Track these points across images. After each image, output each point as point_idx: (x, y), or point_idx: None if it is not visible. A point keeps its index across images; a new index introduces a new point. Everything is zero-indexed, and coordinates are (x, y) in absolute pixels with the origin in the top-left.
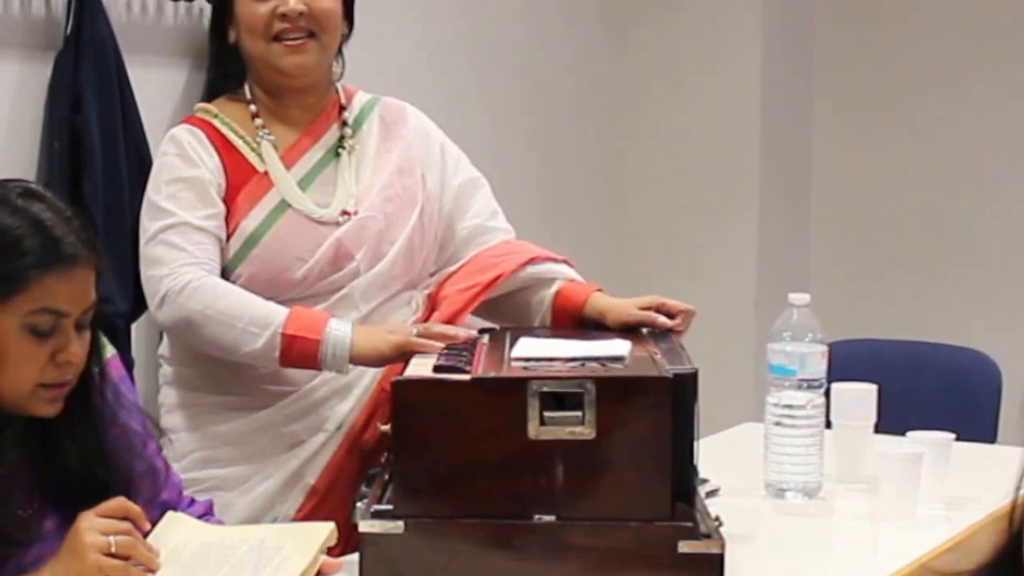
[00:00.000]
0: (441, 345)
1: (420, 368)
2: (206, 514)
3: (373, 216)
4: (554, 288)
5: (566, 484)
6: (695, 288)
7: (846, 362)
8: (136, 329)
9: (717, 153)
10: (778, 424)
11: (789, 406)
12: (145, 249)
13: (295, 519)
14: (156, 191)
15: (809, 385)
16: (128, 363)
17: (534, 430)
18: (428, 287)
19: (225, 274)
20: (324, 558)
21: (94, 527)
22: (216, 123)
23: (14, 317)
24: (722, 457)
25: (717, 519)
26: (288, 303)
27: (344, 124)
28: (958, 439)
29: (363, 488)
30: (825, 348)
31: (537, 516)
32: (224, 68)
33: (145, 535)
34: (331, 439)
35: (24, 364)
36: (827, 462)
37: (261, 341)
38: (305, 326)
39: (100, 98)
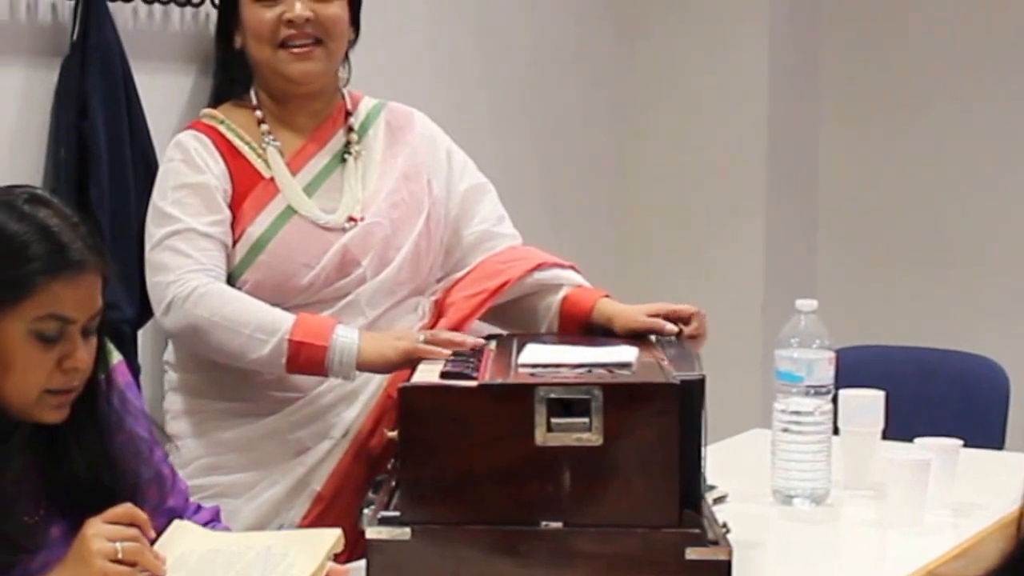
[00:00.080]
0: (448, 352)
1: (427, 374)
2: (213, 520)
3: (379, 222)
4: (561, 294)
5: (573, 490)
6: (702, 294)
7: (853, 368)
8: (142, 335)
9: (724, 159)
10: (785, 430)
11: (797, 412)
12: (151, 255)
13: (301, 526)
14: (162, 197)
15: (817, 391)
16: (134, 369)
17: (541, 436)
18: (435, 293)
19: (231, 280)
20: (331, 564)
21: (101, 533)
22: (222, 129)
23: (20, 323)
24: (729, 463)
25: (724, 526)
26: (294, 309)
27: (350, 130)
28: (966, 445)
29: (370, 494)
30: (832, 354)
31: (544, 523)
32: (230, 74)
33: (152, 542)
34: (337, 446)
35: (30, 370)
36: (835, 468)
37: (268, 347)
38: (312, 332)
39: (106, 104)
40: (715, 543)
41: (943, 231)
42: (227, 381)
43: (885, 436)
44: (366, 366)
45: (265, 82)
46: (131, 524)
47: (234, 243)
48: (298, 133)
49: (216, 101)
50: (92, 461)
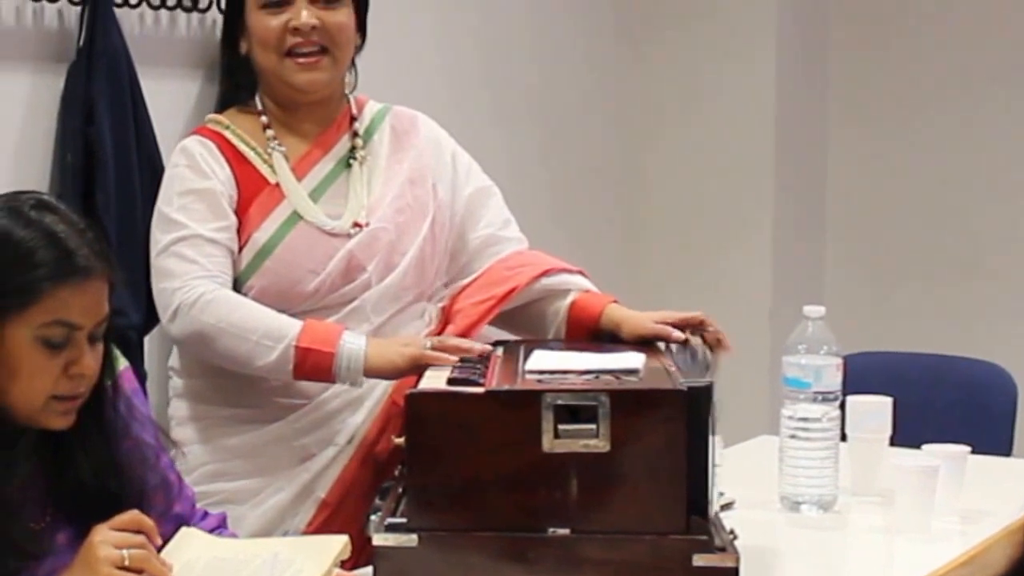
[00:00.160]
0: (455, 358)
1: (434, 381)
2: (220, 527)
3: (384, 227)
4: (569, 299)
5: (580, 497)
6: (709, 300)
7: (861, 374)
8: (149, 342)
9: (732, 165)
10: (793, 437)
11: (804, 419)
12: (156, 261)
13: (306, 532)
14: (167, 203)
15: (824, 398)
16: (141, 376)
17: (548, 443)
18: (442, 300)
19: (236, 286)
20: (337, 571)
21: (107, 540)
22: (227, 134)
23: (27, 329)
24: (737, 470)
25: (732, 532)
26: (299, 315)
27: (355, 134)
28: (973, 452)
29: (377, 501)
30: (840, 360)
31: (551, 529)
32: (235, 80)
33: (158, 549)
34: (342, 452)
35: (37, 376)
36: (842, 475)
37: (275, 354)
38: (319, 339)
39: (113, 110)
40: (722, 550)
41: (951, 237)
42: (232, 387)
43: (893, 442)
44: (373, 372)
45: (271, 89)
46: (138, 531)
47: (240, 249)
48: (303, 138)
49: (222, 107)
50: (98, 467)
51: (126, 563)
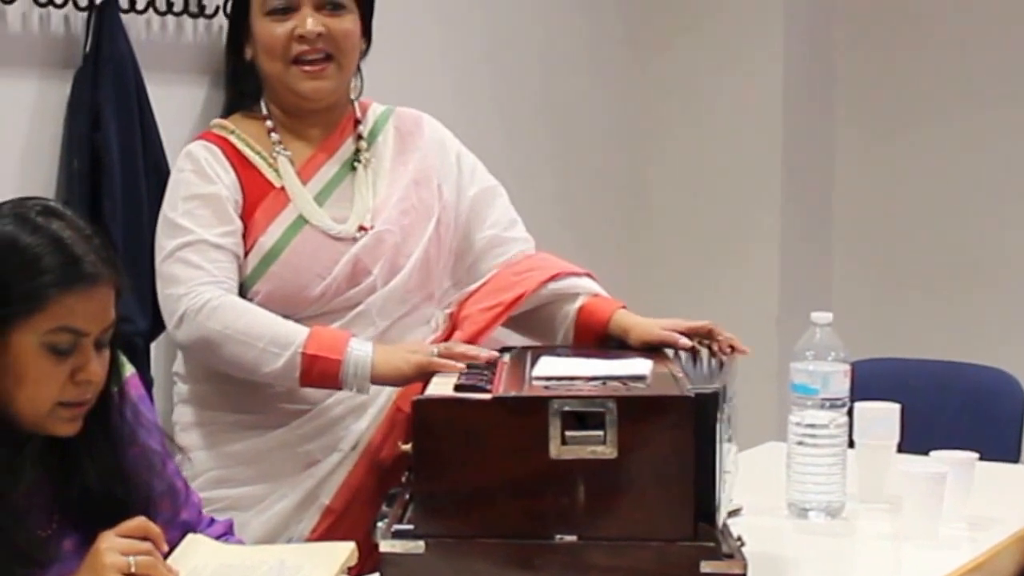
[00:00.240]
0: (462, 365)
1: (441, 387)
2: (226, 533)
3: (389, 229)
4: (578, 303)
5: (587, 504)
6: (717, 306)
7: (869, 381)
8: (155, 348)
9: (739, 172)
10: (801, 443)
11: (812, 425)
12: (162, 267)
13: (310, 539)
14: (172, 208)
15: (832, 404)
16: (147, 382)
17: (555, 449)
18: (449, 306)
19: (242, 291)
20: None
21: (114, 547)
22: (232, 139)
23: (33, 336)
24: (744, 476)
25: (739, 539)
26: (305, 320)
27: (359, 137)
28: (981, 459)
29: (384, 507)
30: (848, 367)
31: (558, 536)
32: (240, 86)
33: (165, 556)
34: (346, 458)
35: (43, 383)
36: (850, 482)
37: (281, 361)
38: (326, 346)
39: (119, 115)
40: (730, 556)
41: (958, 243)
42: (236, 393)
43: (900, 449)
44: (380, 379)
45: (276, 95)
46: (144, 538)
47: (245, 254)
48: (308, 143)
49: (228, 112)
50: (105, 474)
51: (132, 570)
